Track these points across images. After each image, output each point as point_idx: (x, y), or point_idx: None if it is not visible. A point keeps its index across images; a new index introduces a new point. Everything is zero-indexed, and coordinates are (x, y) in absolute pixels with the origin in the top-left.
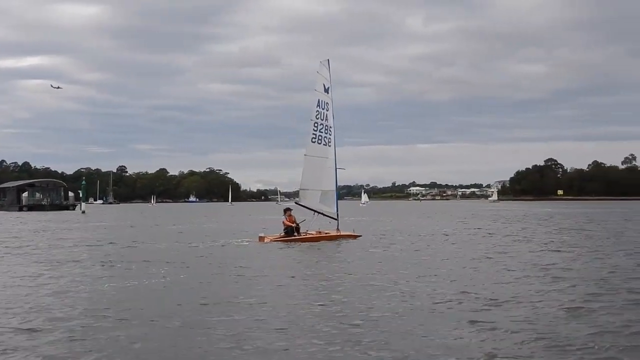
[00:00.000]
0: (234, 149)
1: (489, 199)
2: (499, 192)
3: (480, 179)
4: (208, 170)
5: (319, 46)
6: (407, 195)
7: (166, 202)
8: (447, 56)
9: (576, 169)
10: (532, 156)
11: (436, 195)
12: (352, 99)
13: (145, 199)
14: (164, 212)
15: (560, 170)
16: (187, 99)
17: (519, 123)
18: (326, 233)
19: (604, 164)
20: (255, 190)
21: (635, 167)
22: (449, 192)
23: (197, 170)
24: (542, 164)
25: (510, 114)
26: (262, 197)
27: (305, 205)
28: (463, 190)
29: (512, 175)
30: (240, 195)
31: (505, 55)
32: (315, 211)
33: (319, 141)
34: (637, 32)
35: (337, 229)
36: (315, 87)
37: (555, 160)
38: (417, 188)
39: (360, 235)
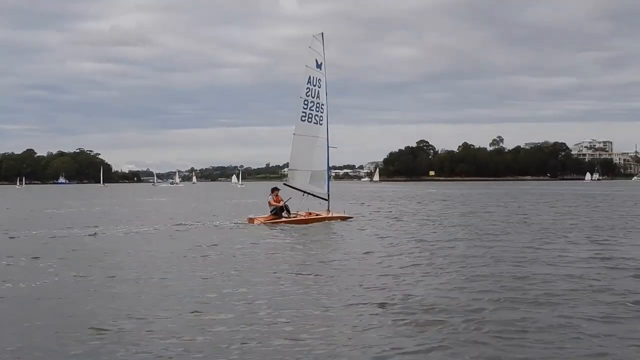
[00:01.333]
0: (104, 129)
1: (363, 179)
2: (371, 174)
3: (352, 160)
4: (78, 150)
5: (193, 26)
6: (282, 177)
7: (35, 183)
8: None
9: (447, 150)
10: (404, 138)
11: None
12: (224, 80)
13: (11, 180)
14: (34, 194)
15: (432, 151)
16: (54, 78)
17: (391, 105)
18: (317, 214)
19: (474, 146)
20: (127, 172)
21: (503, 148)
22: None
23: (66, 151)
24: (414, 145)
25: (382, 96)
26: (135, 179)
27: (294, 186)
28: (336, 171)
29: (385, 157)
30: (112, 176)
31: (376, 39)
32: (304, 192)
33: (309, 119)
34: (502, 18)
35: (328, 210)
36: (306, 62)
37: (427, 142)
38: None
39: (352, 217)
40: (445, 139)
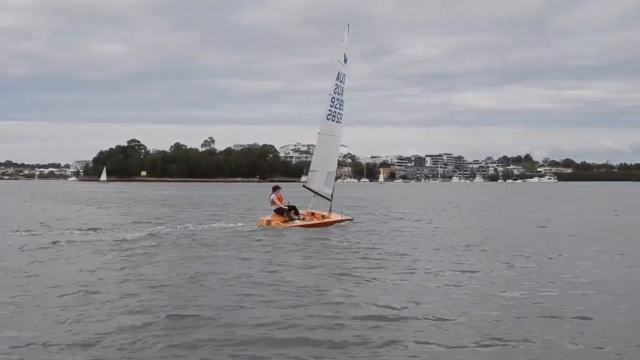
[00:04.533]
0: None
1: (70, 179)
2: (77, 173)
3: (59, 158)
4: None
5: None
6: None
7: None
8: (24, 30)
9: (159, 150)
10: (115, 137)
11: (13, 174)
12: None
13: None
14: None
15: (143, 151)
16: None
17: (102, 103)
18: (323, 216)
19: (185, 146)
20: None
21: (214, 149)
22: (27, 172)
23: None
24: (126, 144)
25: (92, 93)
26: None
27: (312, 188)
28: (41, 169)
29: (95, 156)
30: None
31: (87, 34)
32: (316, 193)
33: (334, 118)
34: (213, 19)
35: (330, 211)
36: (337, 57)
37: (139, 141)
38: None
39: (352, 219)
40: (157, 139)
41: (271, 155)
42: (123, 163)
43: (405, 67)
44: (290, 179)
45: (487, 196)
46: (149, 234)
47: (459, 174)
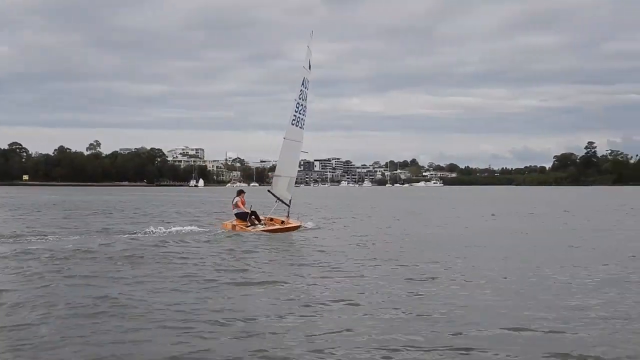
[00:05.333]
0: None
1: None
2: None
3: None
4: None
5: None
6: None
7: None
8: None
9: (42, 153)
10: None
11: None
12: None
13: None
14: None
15: (25, 154)
16: None
17: None
18: (282, 222)
19: (70, 150)
20: None
21: (100, 153)
22: None
23: None
24: (7, 147)
25: None
26: None
27: (276, 193)
28: None
29: None
30: None
31: None
32: (277, 198)
33: (297, 123)
34: (98, 20)
35: (288, 216)
36: (303, 63)
37: (20, 144)
38: None
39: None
40: (40, 142)
41: (159, 159)
42: (4, 166)
43: (294, 72)
44: (179, 183)
45: (405, 200)
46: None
47: (348, 178)
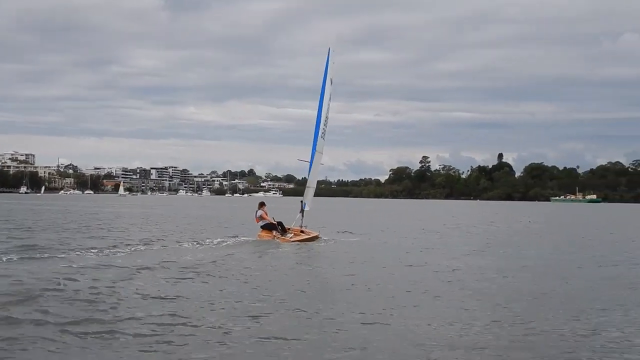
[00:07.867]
0: None
1: None
2: None
3: None
4: None
5: None
6: None
7: None
8: None
9: None
10: None
11: None
12: None
13: None
14: None
15: None
16: None
17: None
18: (302, 231)
19: None
20: None
21: None
22: None
23: None
24: None
25: None
26: None
27: (308, 203)
28: None
29: None
30: None
31: None
32: (302, 210)
33: (323, 135)
34: None
35: (304, 226)
36: (331, 76)
37: None
38: None
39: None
40: None
41: None
42: None
43: (128, 79)
44: (8, 190)
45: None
46: None
47: (185, 187)
